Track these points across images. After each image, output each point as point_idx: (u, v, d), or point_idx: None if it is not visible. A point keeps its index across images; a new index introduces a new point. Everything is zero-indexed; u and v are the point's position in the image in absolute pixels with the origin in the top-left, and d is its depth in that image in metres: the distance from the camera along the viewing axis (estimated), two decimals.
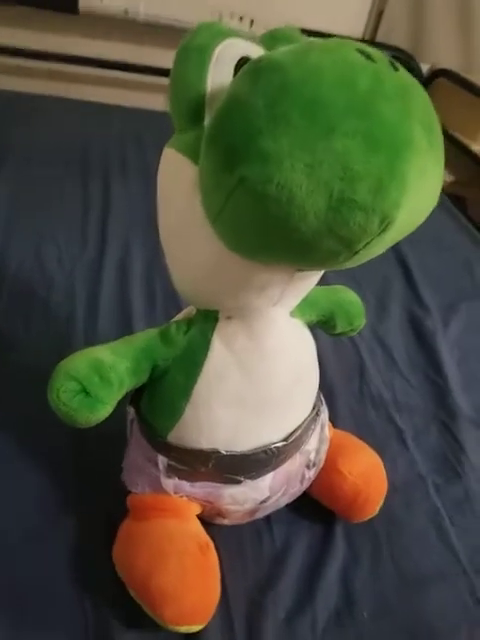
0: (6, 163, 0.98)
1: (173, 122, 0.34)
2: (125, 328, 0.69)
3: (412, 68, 1.41)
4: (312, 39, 0.29)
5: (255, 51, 0.33)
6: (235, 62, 0.32)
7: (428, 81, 1.45)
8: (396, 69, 0.27)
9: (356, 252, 0.28)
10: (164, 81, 1.28)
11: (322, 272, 0.37)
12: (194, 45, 0.31)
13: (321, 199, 0.25)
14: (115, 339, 0.68)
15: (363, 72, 0.25)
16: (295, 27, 0.37)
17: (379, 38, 1.41)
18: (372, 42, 1.42)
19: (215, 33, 0.32)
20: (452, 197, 1.33)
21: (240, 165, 0.26)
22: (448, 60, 1.44)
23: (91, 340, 0.67)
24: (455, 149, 1.39)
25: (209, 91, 0.31)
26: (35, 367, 0.61)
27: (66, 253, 0.80)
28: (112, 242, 0.84)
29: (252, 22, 1.29)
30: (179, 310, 0.76)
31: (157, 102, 1.38)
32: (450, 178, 1.64)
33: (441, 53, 1.44)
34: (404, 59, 1.40)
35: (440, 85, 1.43)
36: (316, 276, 0.38)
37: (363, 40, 1.42)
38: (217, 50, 0.31)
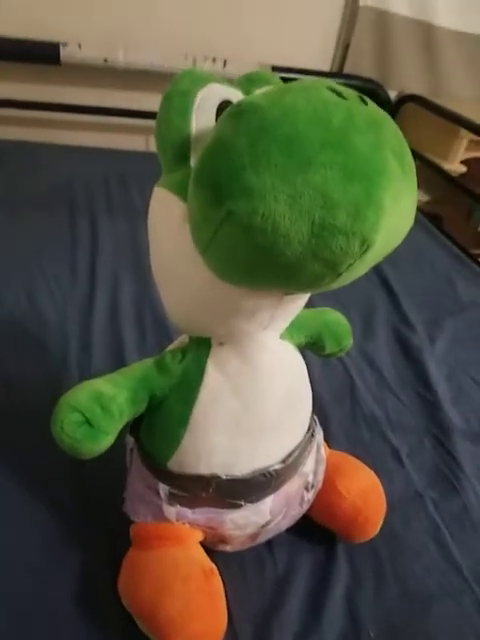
0: None
1: (161, 162, 0.36)
2: (118, 361, 0.70)
3: (380, 95, 1.48)
4: (288, 83, 0.31)
5: (234, 94, 0.36)
6: (216, 105, 0.34)
7: (397, 107, 1.51)
8: (366, 104, 0.29)
9: (340, 274, 0.29)
10: (143, 123, 1.33)
11: (309, 295, 0.39)
12: (177, 91, 0.34)
13: (304, 226, 0.27)
14: (109, 372, 0.69)
15: (336, 108, 0.27)
16: (269, 71, 0.40)
17: (347, 69, 1.47)
18: (340, 73, 1.48)
19: (196, 79, 0.34)
20: (429, 216, 1.37)
21: (227, 200, 0.27)
22: (415, 86, 1.50)
23: (85, 375, 0.67)
24: (428, 170, 1.44)
25: (193, 133, 0.34)
26: (31, 404, 0.61)
27: (58, 291, 0.81)
28: (101, 278, 0.86)
29: (225, 62, 1.34)
30: (170, 340, 0.77)
31: (138, 143, 1.43)
32: (425, 197, 1.70)
33: (408, 79, 1.50)
34: (372, 88, 1.46)
35: (409, 110, 1.49)
36: (303, 299, 0.39)
37: (331, 72, 1.49)
38: (199, 95, 0.34)
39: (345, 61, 1.46)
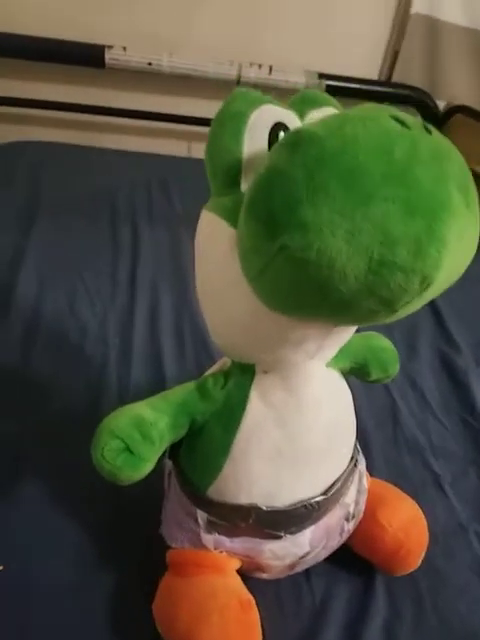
0: (39, 213, 1.02)
1: (210, 185, 0.36)
2: (157, 373, 0.70)
3: (429, 105, 1.44)
4: (348, 110, 0.30)
5: (287, 116, 0.35)
6: (269, 128, 0.33)
7: (445, 118, 1.48)
8: (430, 133, 0.28)
9: (395, 311, 0.28)
10: (186, 128, 1.32)
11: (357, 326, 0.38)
12: (230, 112, 0.33)
13: (361, 263, 0.26)
14: (147, 383, 0.69)
15: (399, 139, 0.26)
16: (322, 91, 0.39)
17: (395, 78, 1.44)
18: (388, 82, 1.45)
19: (250, 100, 0.33)
20: None
21: (281, 234, 0.26)
22: (465, 96, 1.46)
23: (125, 385, 0.68)
24: (477, 183, 1.39)
25: (245, 157, 0.33)
26: (71, 415, 0.62)
27: (98, 300, 0.82)
28: (142, 288, 0.86)
29: (271, 69, 1.33)
30: (208, 352, 0.77)
31: (180, 148, 1.44)
32: None
33: (458, 90, 1.46)
34: (421, 97, 1.43)
35: (457, 121, 1.45)
36: (353, 329, 0.38)
37: (379, 81, 1.46)
38: (252, 117, 0.33)
39: (394, 69, 1.43)
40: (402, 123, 0.27)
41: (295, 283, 0.28)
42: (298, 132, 0.28)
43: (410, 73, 1.43)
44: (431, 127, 0.28)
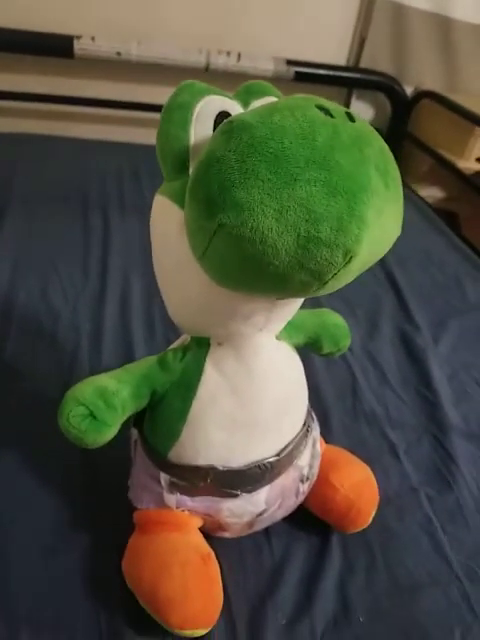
0: (11, 202, 1.04)
1: (162, 171, 0.38)
2: (127, 355, 0.73)
3: (396, 91, 1.47)
4: (279, 100, 0.33)
5: (231, 106, 0.38)
6: (214, 117, 0.36)
7: (413, 103, 1.51)
8: (353, 121, 0.31)
9: (325, 282, 0.31)
10: (156, 116, 1.33)
11: (302, 299, 0.41)
12: (177, 103, 0.36)
13: (290, 239, 0.29)
14: (118, 366, 0.72)
15: (321, 127, 0.29)
16: (268, 82, 0.41)
17: (363, 64, 1.46)
18: (356, 68, 1.47)
19: (195, 91, 0.36)
20: (444, 213, 1.36)
21: (218, 213, 0.29)
22: (432, 81, 1.49)
23: (96, 368, 0.71)
24: (443, 167, 1.43)
25: (192, 144, 0.36)
26: (43, 395, 0.65)
27: (70, 287, 0.85)
28: (113, 275, 0.89)
29: (239, 56, 1.34)
30: (177, 336, 0.80)
31: (151, 136, 1.45)
32: (441, 195, 1.69)
33: (425, 75, 1.49)
34: (388, 83, 1.45)
35: (425, 106, 1.49)
36: (297, 302, 0.41)
37: (347, 67, 1.49)
38: (197, 107, 0.35)
39: (361, 55, 1.46)
40: (327, 112, 0.30)
41: (235, 259, 0.31)
42: (231, 121, 0.31)
43: (378, 59, 1.45)
44: (355, 115, 0.31)
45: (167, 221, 0.37)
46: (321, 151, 0.28)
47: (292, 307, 0.41)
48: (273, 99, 0.40)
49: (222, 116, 0.36)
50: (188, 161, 0.36)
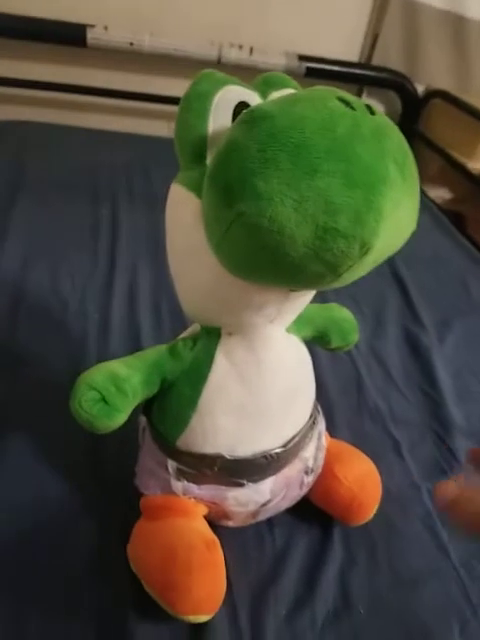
0: (21, 190, 1.04)
1: (179, 160, 0.39)
2: (134, 345, 0.74)
3: (408, 89, 1.46)
4: (301, 91, 0.33)
5: (250, 96, 0.38)
6: (233, 107, 0.36)
7: (424, 102, 1.50)
8: (373, 113, 0.31)
9: (340, 274, 0.32)
10: (167, 108, 1.33)
11: (314, 292, 0.41)
12: (196, 92, 0.36)
13: (308, 229, 0.29)
14: (125, 355, 0.72)
15: (342, 118, 0.29)
16: (286, 75, 0.42)
17: (375, 61, 1.45)
18: (368, 65, 1.47)
19: (215, 81, 0.36)
20: (451, 214, 1.36)
21: (237, 202, 0.30)
22: (444, 80, 1.48)
23: (103, 356, 0.71)
24: (452, 167, 1.43)
25: (210, 134, 0.36)
26: (51, 382, 0.65)
27: (79, 276, 0.85)
28: (121, 265, 0.89)
29: (251, 50, 1.34)
30: (184, 328, 0.80)
31: (160, 128, 1.45)
32: (448, 196, 1.68)
33: (437, 74, 1.47)
34: (400, 81, 1.45)
35: (436, 105, 1.48)
36: (309, 295, 0.42)
37: (358, 63, 1.48)
38: (217, 96, 0.36)
39: (373, 52, 1.45)
40: (347, 104, 0.30)
41: (251, 248, 0.31)
42: (253, 110, 0.31)
43: (390, 56, 1.44)
44: (375, 108, 0.32)
45: (183, 210, 0.38)
46: (341, 142, 0.29)
47: (304, 300, 0.42)
48: (291, 91, 0.40)
49: (241, 106, 0.37)
50: (206, 151, 0.36)
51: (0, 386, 0.64)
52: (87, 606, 0.46)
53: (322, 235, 0.29)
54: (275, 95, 0.39)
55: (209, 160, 0.36)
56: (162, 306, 0.82)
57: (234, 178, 0.30)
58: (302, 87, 0.37)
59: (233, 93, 0.36)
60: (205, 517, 0.47)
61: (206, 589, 0.43)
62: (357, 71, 1.45)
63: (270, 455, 0.45)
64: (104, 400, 0.39)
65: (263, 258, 0.31)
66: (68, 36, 1.25)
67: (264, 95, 0.39)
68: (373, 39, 1.45)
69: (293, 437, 0.46)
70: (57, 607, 0.46)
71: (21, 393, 0.64)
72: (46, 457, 0.57)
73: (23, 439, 0.59)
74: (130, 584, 0.46)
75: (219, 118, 0.36)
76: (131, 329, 0.77)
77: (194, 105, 0.35)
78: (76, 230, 0.97)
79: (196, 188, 0.35)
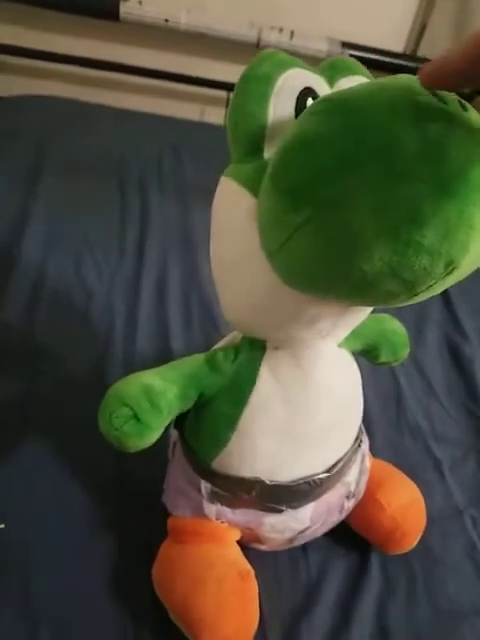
0: (43, 171, 0.99)
1: (231, 151, 0.34)
2: (163, 342, 0.70)
3: None
4: (382, 79, 0.28)
5: (317, 82, 0.33)
6: (297, 93, 0.32)
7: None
8: (466, 109, 0.26)
9: (416, 294, 0.27)
10: (200, 91, 1.27)
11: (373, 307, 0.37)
12: (256, 75, 0.31)
13: (387, 241, 0.25)
14: (153, 351, 0.68)
15: (435, 115, 0.25)
16: (354, 60, 0.37)
17: (421, 52, 1.39)
18: (414, 56, 1.40)
19: (278, 63, 0.32)
20: None
21: (306, 205, 0.25)
22: None
23: (130, 351, 0.68)
24: None
25: (270, 123, 0.31)
26: (75, 378, 0.62)
27: (105, 266, 0.81)
28: (150, 256, 0.85)
29: (292, 34, 1.28)
30: (216, 327, 0.76)
31: (194, 112, 1.40)
32: None
33: None
34: None
35: None
36: (368, 310, 0.37)
37: (403, 54, 1.41)
38: (279, 80, 0.31)
39: (420, 43, 1.38)
40: (438, 97, 0.26)
41: (316, 259, 0.27)
42: (329, 100, 0.26)
43: (438, 48, 1.37)
44: (466, 104, 0.27)
45: (234, 209, 0.33)
46: (434, 144, 0.24)
47: (362, 314, 0.37)
48: (363, 79, 0.35)
49: (306, 93, 0.32)
50: (263, 142, 0.32)
51: (17, 384, 0.61)
52: (107, 629, 0.43)
53: (404, 250, 0.25)
54: (344, 82, 0.34)
55: (267, 154, 0.32)
56: (192, 301, 0.77)
57: (304, 178, 0.25)
58: None
59: (298, 78, 0.32)
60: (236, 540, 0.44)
61: (237, 624, 0.39)
62: (401, 62, 1.38)
63: (313, 481, 0.41)
64: (136, 417, 0.35)
65: (329, 272, 0.27)
66: (100, 8, 1.20)
67: (331, 82, 0.34)
68: (420, 29, 1.38)
69: (338, 461, 0.42)
70: (76, 629, 0.43)
71: (44, 391, 0.61)
72: (70, 463, 0.54)
73: (43, 442, 0.55)
74: (153, 608, 0.43)
75: (281, 105, 0.31)
76: (159, 325, 0.73)
77: (253, 89, 0.31)
78: (102, 216, 0.92)
79: (251, 184, 0.31)
